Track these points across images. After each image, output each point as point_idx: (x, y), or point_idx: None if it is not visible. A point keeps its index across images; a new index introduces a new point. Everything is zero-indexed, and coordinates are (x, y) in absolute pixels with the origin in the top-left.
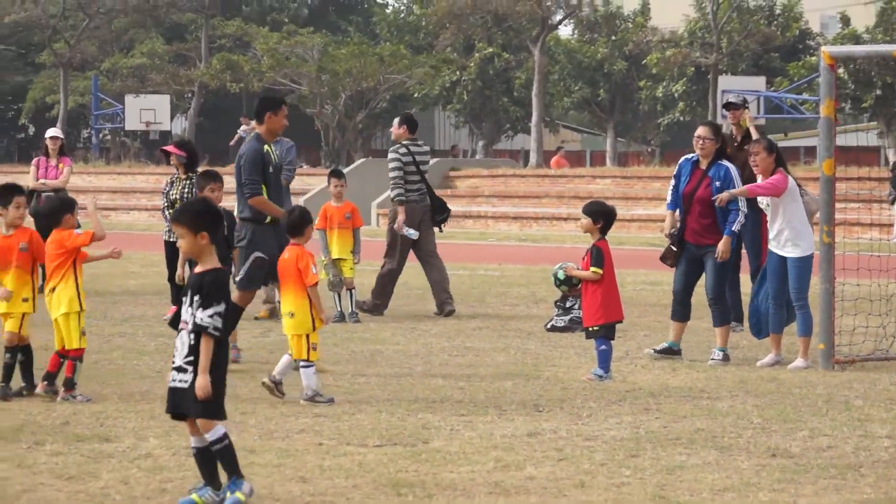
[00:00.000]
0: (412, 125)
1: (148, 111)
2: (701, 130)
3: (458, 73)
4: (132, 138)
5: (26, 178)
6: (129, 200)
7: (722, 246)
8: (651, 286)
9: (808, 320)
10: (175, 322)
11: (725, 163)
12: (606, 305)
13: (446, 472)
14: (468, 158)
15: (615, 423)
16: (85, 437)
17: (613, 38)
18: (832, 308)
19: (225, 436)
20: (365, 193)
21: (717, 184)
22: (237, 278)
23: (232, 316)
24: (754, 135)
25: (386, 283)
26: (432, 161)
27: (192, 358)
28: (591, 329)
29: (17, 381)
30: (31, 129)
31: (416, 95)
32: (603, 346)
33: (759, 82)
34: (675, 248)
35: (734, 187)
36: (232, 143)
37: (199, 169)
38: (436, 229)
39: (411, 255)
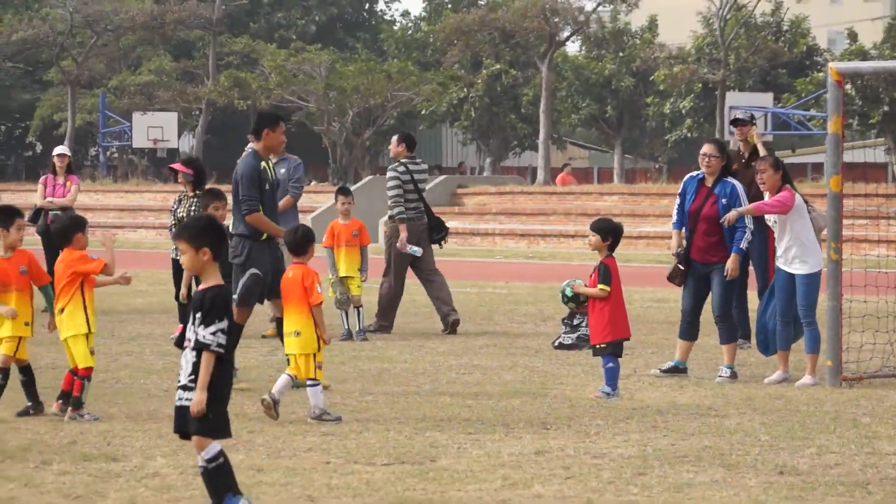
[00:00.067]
0: (411, 143)
1: (155, 129)
2: (706, 148)
3: (465, 89)
4: (140, 156)
5: (34, 196)
6: (136, 218)
7: (730, 264)
8: (658, 304)
9: (815, 337)
10: (181, 341)
11: (731, 180)
12: (614, 323)
13: (454, 491)
14: (476, 175)
15: (623, 441)
16: (92, 456)
17: (621, 54)
18: (840, 325)
19: (219, 454)
20: (372, 211)
21: (724, 201)
22: (234, 296)
23: (235, 333)
24: (762, 151)
25: (388, 305)
26: (440, 178)
27: (195, 376)
28: (598, 346)
29: (23, 401)
30: (39, 147)
31: (423, 112)
32: (610, 364)
33: (766, 98)
34: (682, 267)
35: (740, 204)
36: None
37: (207, 187)
38: (434, 246)
39: (410, 272)
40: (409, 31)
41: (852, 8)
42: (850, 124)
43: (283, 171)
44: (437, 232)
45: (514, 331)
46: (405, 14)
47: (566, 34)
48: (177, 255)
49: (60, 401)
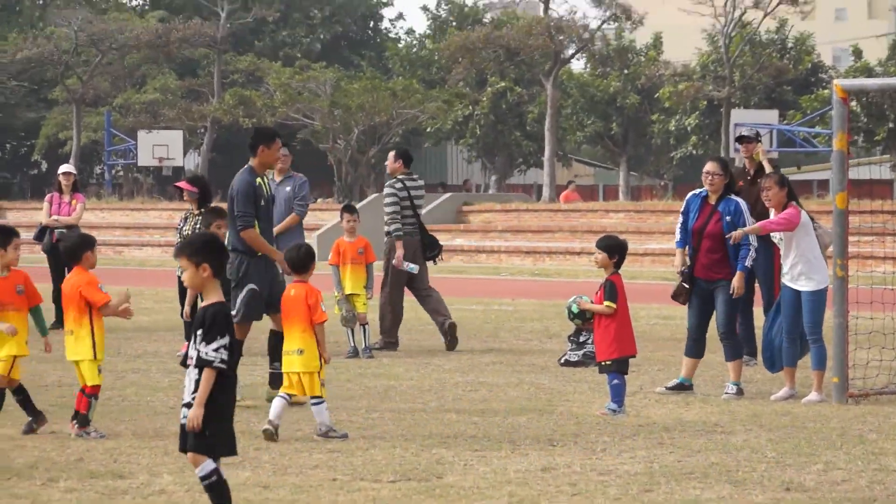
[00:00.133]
0: (407, 159)
1: (161, 147)
2: (709, 166)
3: (470, 107)
4: (145, 174)
5: (39, 214)
6: (142, 236)
7: (736, 282)
8: (664, 321)
9: (822, 354)
10: (186, 360)
11: (735, 197)
12: (620, 340)
13: None
14: (481, 193)
15: (629, 458)
16: (99, 473)
17: (626, 71)
18: (846, 341)
19: (213, 472)
20: (378, 228)
21: (728, 218)
22: (233, 312)
23: (236, 350)
24: (767, 168)
25: (391, 322)
26: (445, 196)
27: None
28: (603, 363)
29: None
30: (44, 166)
31: (428, 130)
32: (615, 381)
33: (771, 115)
34: (686, 286)
35: (745, 221)
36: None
37: (212, 205)
38: (429, 263)
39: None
40: (414, 49)
41: (857, 25)
42: (856, 141)
43: (288, 188)
44: (430, 249)
45: (519, 348)
46: (410, 32)
47: (571, 52)
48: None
49: (75, 421)
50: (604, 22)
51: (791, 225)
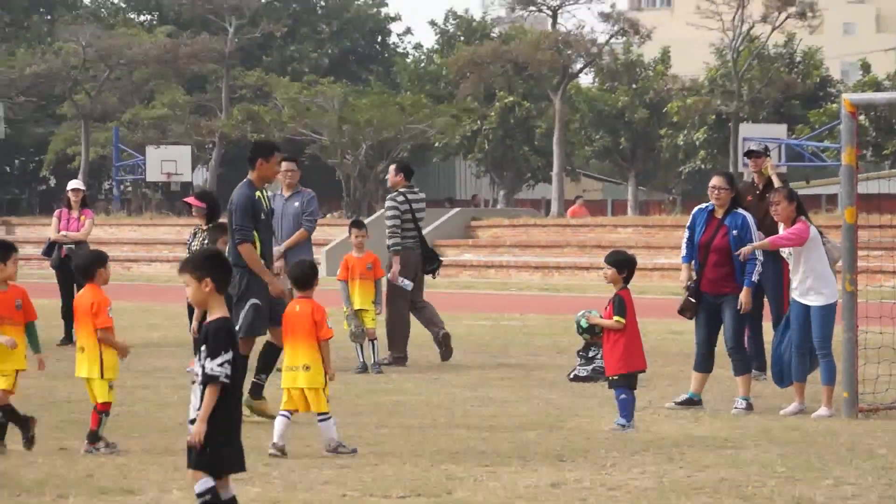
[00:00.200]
0: (409, 172)
1: (169, 162)
2: (715, 180)
3: (478, 122)
4: (153, 189)
5: (48, 230)
6: (150, 252)
7: (744, 297)
8: (674, 336)
9: (831, 368)
10: None
11: (741, 211)
12: (629, 355)
13: None
14: (490, 208)
15: (639, 473)
16: (109, 489)
17: (634, 86)
18: (855, 356)
19: (209, 491)
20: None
21: (735, 232)
22: (237, 327)
23: (241, 365)
24: (776, 182)
25: (398, 336)
26: (454, 211)
27: None
28: (612, 378)
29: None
30: (53, 181)
31: (437, 145)
32: (623, 396)
33: (780, 130)
34: (693, 300)
35: (751, 235)
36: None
37: (221, 220)
38: (427, 277)
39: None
40: (422, 64)
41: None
42: (864, 155)
43: (296, 204)
44: (429, 263)
45: (529, 363)
46: (418, 47)
47: (579, 66)
48: None
49: (101, 441)
50: (612, 36)
51: (800, 240)
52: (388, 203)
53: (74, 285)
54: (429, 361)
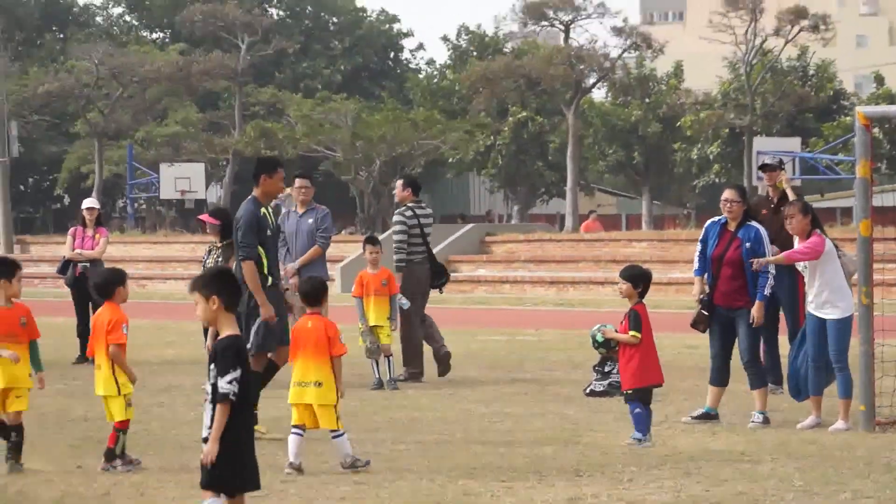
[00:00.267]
0: (416, 187)
1: (183, 180)
2: (727, 194)
3: (492, 137)
4: (167, 207)
5: (62, 248)
6: (165, 270)
7: (755, 311)
8: (690, 350)
9: (848, 382)
10: None
11: (754, 224)
12: (644, 369)
13: None
14: (504, 223)
15: (656, 488)
16: None
17: (647, 100)
18: (872, 369)
19: None
20: None
21: (748, 245)
22: (248, 344)
23: (254, 383)
24: (791, 196)
25: (413, 351)
26: (468, 227)
27: None
28: (627, 393)
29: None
30: (67, 200)
31: (450, 160)
32: (637, 410)
33: (794, 143)
34: (705, 313)
35: (764, 248)
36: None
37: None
38: (434, 292)
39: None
40: (435, 80)
41: (878, 52)
42: (879, 168)
43: (310, 220)
44: (437, 278)
45: (544, 378)
46: (430, 62)
47: (592, 81)
48: None
49: (118, 459)
50: (624, 51)
51: (816, 253)
52: (395, 218)
53: (90, 303)
54: (444, 378)
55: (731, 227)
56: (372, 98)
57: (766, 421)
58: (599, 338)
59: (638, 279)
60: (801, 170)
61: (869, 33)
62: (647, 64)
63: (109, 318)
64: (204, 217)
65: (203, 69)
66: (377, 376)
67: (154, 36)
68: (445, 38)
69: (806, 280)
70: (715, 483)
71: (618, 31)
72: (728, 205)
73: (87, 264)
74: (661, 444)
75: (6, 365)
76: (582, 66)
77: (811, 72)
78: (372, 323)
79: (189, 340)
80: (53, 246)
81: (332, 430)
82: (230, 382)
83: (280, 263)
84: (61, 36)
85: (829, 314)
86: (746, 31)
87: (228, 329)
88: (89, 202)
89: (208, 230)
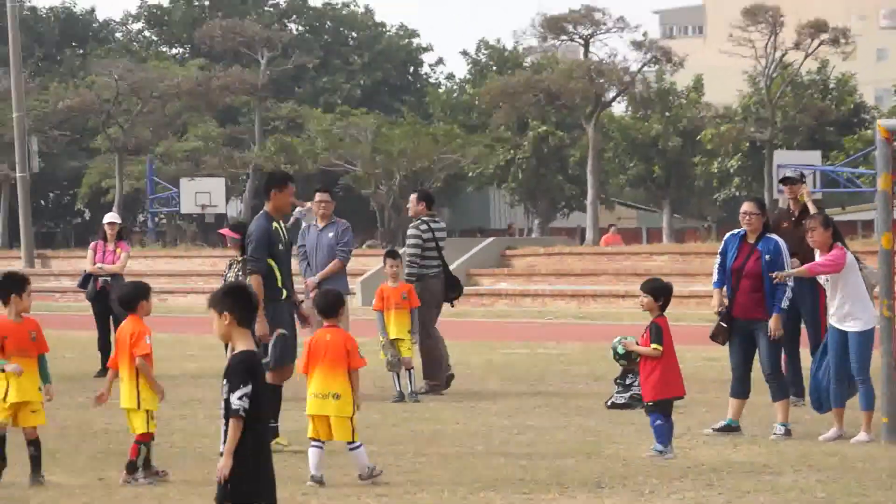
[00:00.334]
0: (430, 201)
1: (203, 194)
2: (747, 206)
3: (512, 151)
4: (188, 221)
5: (83, 262)
6: (186, 283)
7: (773, 324)
8: (710, 362)
9: (870, 394)
10: None
11: (773, 236)
12: (665, 382)
13: None
14: (524, 237)
15: (678, 500)
16: None
17: (667, 114)
18: (894, 381)
19: None
20: None
21: (767, 257)
22: (266, 359)
23: (273, 397)
24: (812, 209)
25: (433, 363)
26: (489, 240)
27: None
28: (647, 405)
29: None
30: (87, 214)
31: (470, 175)
32: (658, 422)
33: (814, 156)
34: (725, 325)
35: (784, 260)
36: (287, 225)
37: None
38: (446, 305)
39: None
40: (455, 94)
41: None
42: None
43: (331, 234)
44: (451, 291)
45: (566, 391)
46: (450, 77)
47: (612, 95)
48: None
49: (144, 469)
50: (644, 65)
51: (837, 266)
52: (410, 231)
53: (110, 317)
54: (466, 389)
55: (751, 239)
56: (391, 112)
57: (787, 433)
58: (621, 350)
59: (659, 292)
60: (822, 183)
61: (889, 46)
62: (667, 78)
63: (132, 331)
64: (224, 231)
65: (223, 84)
66: (398, 389)
67: (174, 51)
68: (465, 53)
69: (827, 293)
70: (737, 495)
71: (637, 45)
72: (747, 217)
73: (108, 278)
74: (683, 455)
75: (17, 379)
76: (602, 81)
77: (831, 85)
78: (393, 336)
79: (210, 354)
80: (74, 260)
81: (349, 442)
82: (241, 398)
83: (301, 277)
84: (81, 52)
85: (851, 327)
86: (766, 44)
87: (242, 344)
88: (110, 217)
89: (229, 244)
